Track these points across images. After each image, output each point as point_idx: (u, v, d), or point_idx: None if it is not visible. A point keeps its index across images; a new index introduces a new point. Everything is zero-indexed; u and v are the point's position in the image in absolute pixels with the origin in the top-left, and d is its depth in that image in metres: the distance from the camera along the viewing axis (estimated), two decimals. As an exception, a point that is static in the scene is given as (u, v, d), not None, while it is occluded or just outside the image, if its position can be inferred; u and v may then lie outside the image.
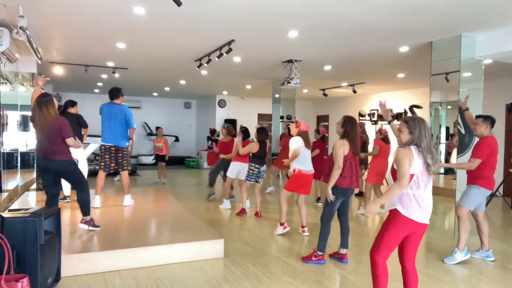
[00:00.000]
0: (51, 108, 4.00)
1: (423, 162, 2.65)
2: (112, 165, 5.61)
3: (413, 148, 2.66)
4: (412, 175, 2.63)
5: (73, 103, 6.15)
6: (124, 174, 5.77)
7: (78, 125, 6.01)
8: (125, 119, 5.58)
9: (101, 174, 5.64)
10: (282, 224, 5.16)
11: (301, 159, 4.88)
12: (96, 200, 5.56)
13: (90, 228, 4.37)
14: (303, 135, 4.93)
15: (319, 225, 4.12)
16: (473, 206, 4.26)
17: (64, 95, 13.36)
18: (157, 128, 10.30)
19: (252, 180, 5.98)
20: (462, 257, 4.22)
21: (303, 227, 5.15)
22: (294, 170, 4.93)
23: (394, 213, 2.71)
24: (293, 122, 5.20)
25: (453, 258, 4.21)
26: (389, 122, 3.42)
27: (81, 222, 4.39)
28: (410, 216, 2.65)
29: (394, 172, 2.72)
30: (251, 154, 6.29)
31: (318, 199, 7.42)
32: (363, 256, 4.35)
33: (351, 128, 3.96)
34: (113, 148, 5.56)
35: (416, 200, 2.65)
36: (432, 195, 2.77)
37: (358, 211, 6.79)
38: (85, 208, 4.36)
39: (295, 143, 4.90)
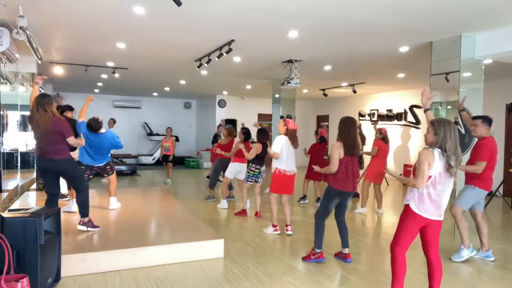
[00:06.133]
0: (51, 109, 4.00)
1: (444, 164, 2.73)
2: (91, 176, 5.48)
3: (436, 151, 2.73)
4: (430, 176, 2.74)
5: (70, 108, 6.11)
6: (112, 177, 5.70)
7: (73, 129, 5.98)
8: (112, 146, 5.45)
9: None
10: (274, 226, 5.24)
11: (284, 159, 4.88)
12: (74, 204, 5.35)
13: (89, 229, 4.37)
14: (291, 133, 4.90)
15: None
16: (467, 206, 4.28)
17: (64, 95, 13.31)
18: (167, 128, 10.41)
19: (252, 180, 5.98)
20: (468, 254, 4.26)
21: (287, 225, 5.17)
22: (275, 170, 4.94)
23: (406, 208, 2.88)
24: (282, 118, 5.15)
25: (460, 256, 4.25)
26: (426, 111, 3.29)
27: (79, 223, 4.39)
28: (420, 212, 2.80)
29: (414, 169, 2.84)
30: None
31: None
32: (362, 256, 4.36)
33: (344, 130, 3.97)
34: (96, 167, 5.43)
35: (429, 199, 2.77)
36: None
37: (355, 210, 6.80)
38: (83, 210, 4.36)
39: (279, 144, 4.88)
